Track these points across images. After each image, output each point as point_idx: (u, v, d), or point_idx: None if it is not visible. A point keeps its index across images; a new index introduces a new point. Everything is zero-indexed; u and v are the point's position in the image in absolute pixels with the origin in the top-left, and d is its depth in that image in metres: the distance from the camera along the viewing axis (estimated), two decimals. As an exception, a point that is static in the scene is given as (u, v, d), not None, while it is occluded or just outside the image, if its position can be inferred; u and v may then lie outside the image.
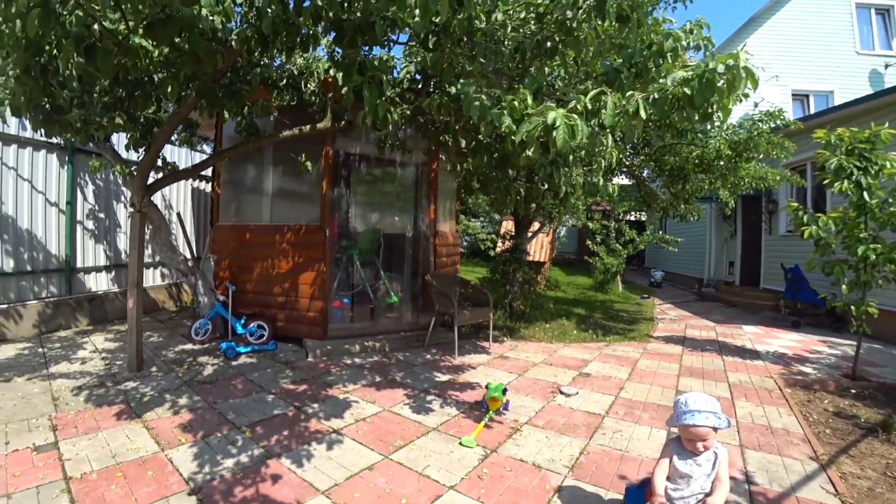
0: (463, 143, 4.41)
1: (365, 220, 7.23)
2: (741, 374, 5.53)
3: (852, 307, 5.19)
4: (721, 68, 2.49)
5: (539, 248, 11.20)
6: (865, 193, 4.95)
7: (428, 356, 5.72)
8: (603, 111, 2.64)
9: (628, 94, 2.71)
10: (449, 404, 4.21)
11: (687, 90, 2.54)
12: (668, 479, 2.19)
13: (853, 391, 5.09)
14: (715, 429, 2.08)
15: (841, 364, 6.05)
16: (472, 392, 4.54)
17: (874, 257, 4.92)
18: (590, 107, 2.72)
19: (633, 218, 15.75)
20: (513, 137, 2.77)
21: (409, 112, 4.16)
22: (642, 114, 2.63)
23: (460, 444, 3.44)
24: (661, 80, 2.73)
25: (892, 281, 5.16)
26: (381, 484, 2.86)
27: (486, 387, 4.00)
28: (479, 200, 11.40)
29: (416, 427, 3.69)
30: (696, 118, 2.72)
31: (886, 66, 13.33)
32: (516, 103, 2.83)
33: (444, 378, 4.90)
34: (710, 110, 2.60)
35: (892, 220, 4.92)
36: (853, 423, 4.35)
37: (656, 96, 2.69)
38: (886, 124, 5.07)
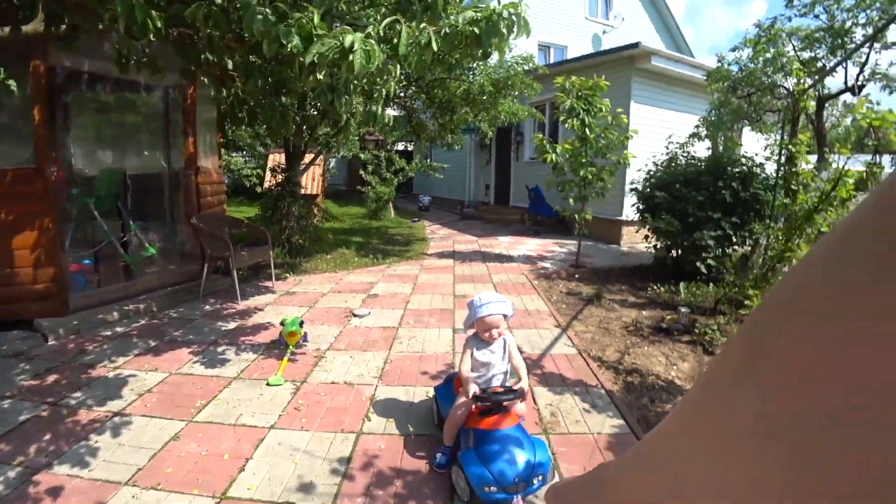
0: (230, 65, 3.72)
1: (101, 159, 5.74)
2: (502, 274, 6.54)
3: (576, 215, 6.52)
4: (506, 13, 2.69)
5: (311, 181, 10.86)
6: (587, 129, 6.16)
7: (207, 307, 5.16)
8: (396, 40, 2.58)
9: (421, 26, 2.71)
10: (244, 350, 3.94)
11: (476, 29, 2.69)
12: (471, 369, 2.43)
13: (577, 276, 6.55)
14: (504, 316, 2.39)
15: (568, 258, 7.67)
16: (266, 333, 4.33)
17: (590, 177, 6.24)
18: (382, 34, 2.63)
19: (401, 148, 16.44)
20: (301, 59, 2.51)
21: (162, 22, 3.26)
22: (434, 46, 2.67)
23: (268, 384, 3.32)
24: (452, 18, 2.79)
25: (600, 195, 6.63)
26: (194, 449, 2.60)
27: (282, 323, 3.86)
28: (242, 132, 10.24)
29: (215, 382, 3.37)
30: (479, 55, 2.91)
31: (604, 32, 17.12)
32: (304, 21, 2.54)
33: (231, 326, 4.52)
34: (490, 50, 2.79)
35: (603, 150, 6.28)
36: (578, 297, 5.63)
37: (447, 31, 2.76)
38: (603, 76, 6.39)
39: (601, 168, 6.33)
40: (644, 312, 5.16)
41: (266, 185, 9.51)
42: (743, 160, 5.83)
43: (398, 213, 13.53)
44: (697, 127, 6.98)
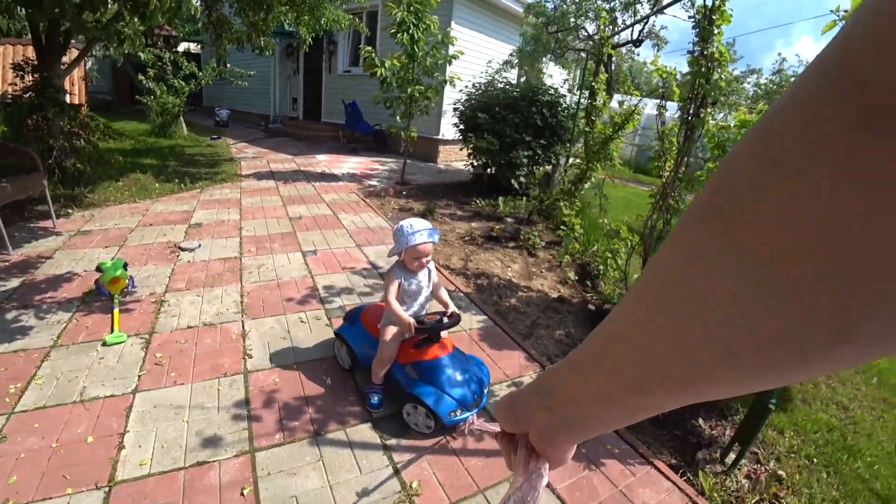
0: None
1: None
2: (332, 194, 6.31)
3: (402, 133, 6.48)
4: None
5: (71, 86, 8.31)
6: (416, 45, 5.95)
7: (-45, 264, 3.78)
8: None
9: None
10: (50, 311, 3.05)
11: None
12: (400, 301, 2.29)
13: (404, 193, 6.72)
14: (433, 244, 2.26)
15: (393, 176, 7.75)
16: (70, 285, 3.43)
17: (417, 95, 6.20)
18: None
19: (182, 49, 13.48)
20: None
21: None
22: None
23: (105, 344, 2.71)
24: None
25: (423, 113, 6.69)
26: (38, 444, 2.01)
27: (98, 269, 3.12)
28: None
29: (24, 357, 2.57)
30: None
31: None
32: None
33: (14, 283, 3.41)
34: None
35: (430, 69, 6.22)
36: (412, 212, 5.86)
37: None
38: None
39: (427, 86, 6.36)
40: (473, 224, 5.68)
41: (7, 90, 6.83)
42: (551, 90, 6.53)
43: (191, 129, 11.38)
44: (512, 55, 7.45)
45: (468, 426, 2.26)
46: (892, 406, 3.14)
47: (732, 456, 2.37)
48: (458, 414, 2.18)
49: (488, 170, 6.90)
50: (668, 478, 2.16)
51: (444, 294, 2.42)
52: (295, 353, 2.78)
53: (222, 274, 3.69)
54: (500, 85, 6.75)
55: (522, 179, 6.39)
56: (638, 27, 6.81)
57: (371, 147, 9.94)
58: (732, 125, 3.02)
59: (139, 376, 2.46)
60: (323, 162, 8.52)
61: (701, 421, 2.63)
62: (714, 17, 2.64)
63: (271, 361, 2.68)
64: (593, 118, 4.99)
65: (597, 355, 0.33)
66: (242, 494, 1.86)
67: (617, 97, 5.94)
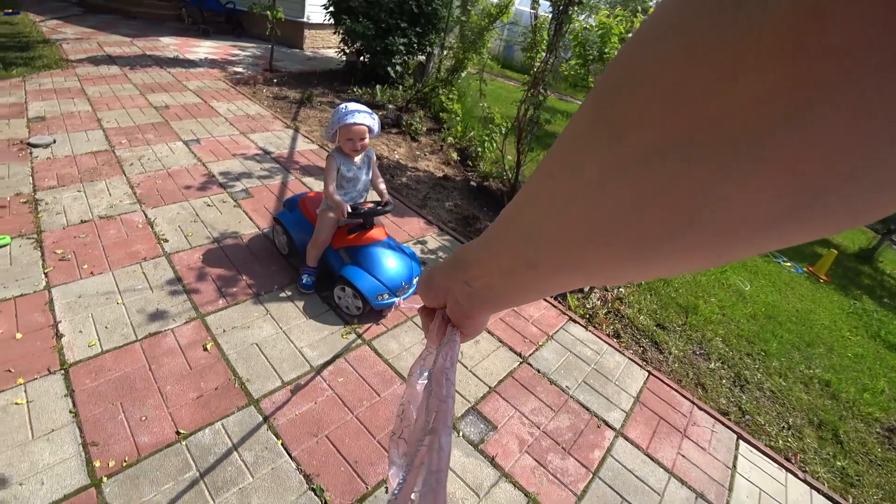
0: None
1: None
2: (195, 81, 5.60)
3: (269, 13, 5.71)
4: None
5: None
6: None
7: None
8: None
9: None
10: None
11: None
12: (337, 187, 2.25)
13: (275, 80, 6.20)
14: (370, 130, 2.18)
15: (258, 62, 6.99)
16: None
17: None
18: None
19: None
20: None
21: None
22: None
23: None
24: None
25: None
26: None
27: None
28: None
29: None
30: None
31: None
32: None
33: None
34: None
35: None
36: (288, 101, 5.53)
37: None
38: None
39: None
40: (353, 112, 5.56)
41: None
42: None
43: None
44: None
45: (397, 307, 2.32)
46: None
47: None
48: (385, 298, 2.22)
49: (362, 57, 6.57)
50: (545, 300, 2.78)
51: (381, 184, 2.42)
52: (212, 233, 2.77)
53: (98, 168, 3.28)
54: None
55: (399, 68, 6.25)
56: None
57: (224, 30, 8.59)
58: (595, 25, 3.36)
59: (46, 273, 2.29)
60: (171, 46, 7.25)
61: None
62: None
63: (189, 242, 2.66)
64: (469, 8, 5.01)
65: (500, 232, 0.33)
66: (206, 349, 2.01)
67: None
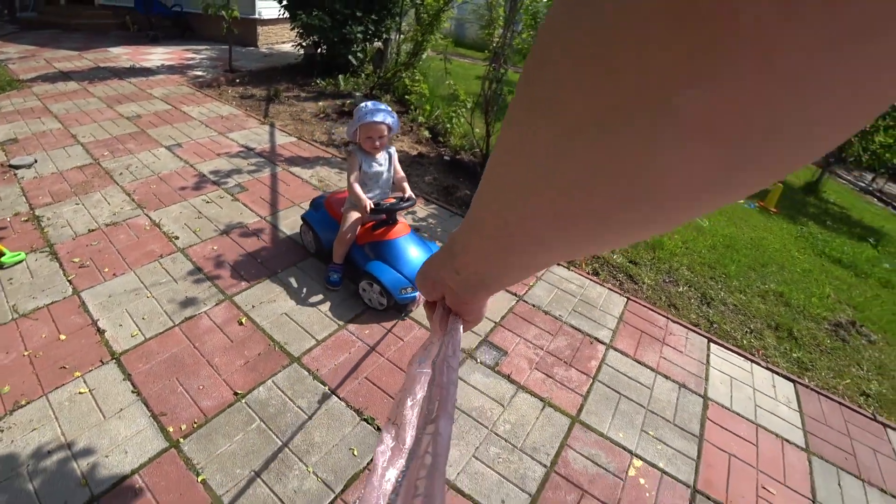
0: None
1: None
2: (158, 88, 5.54)
3: (225, 12, 5.63)
4: None
5: None
6: None
7: None
8: None
9: None
10: None
11: None
12: (361, 183, 2.30)
13: (237, 80, 6.17)
14: (389, 128, 2.24)
15: (216, 64, 6.91)
16: None
17: None
18: None
19: None
20: None
21: None
22: None
23: (2, 267, 2.42)
24: None
25: None
26: (7, 360, 1.94)
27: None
28: None
29: None
30: None
31: None
32: None
33: None
34: None
35: None
36: (255, 99, 5.55)
37: None
38: None
39: None
40: (321, 103, 5.64)
41: None
42: None
43: None
44: None
45: (420, 303, 2.30)
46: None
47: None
48: (409, 291, 2.23)
49: (319, 49, 6.56)
50: (529, 244, 3.05)
51: (403, 181, 2.44)
52: (218, 226, 2.90)
53: (89, 181, 3.33)
54: None
55: (360, 55, 6.30)
56: None
57: (173, 34, 8.35)
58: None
59: (70, 280, 2.38)
60: (123, 55, 7.05)
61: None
62: None
63: (199, 237, 2.79)
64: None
65: (475, 217, 0.32)
66: (241, 324, 2.19)
67: None
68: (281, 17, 6.57)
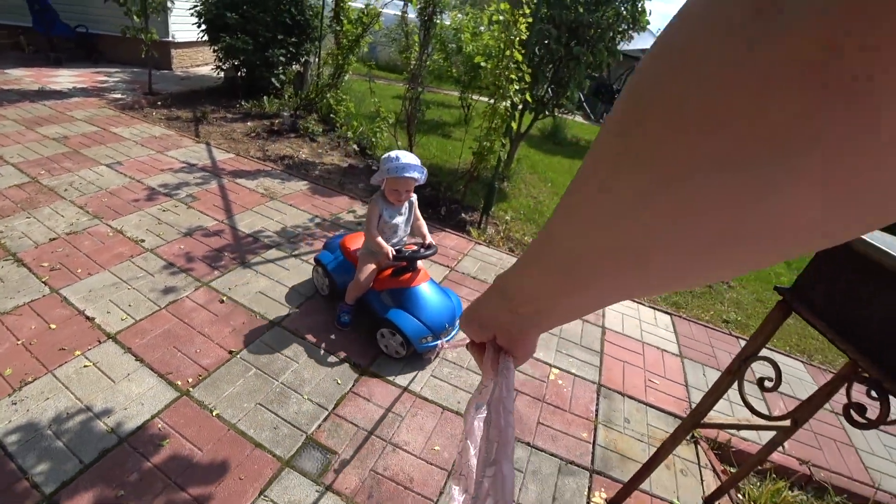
0: None
1: None
2: (80, 111, 5.47)
3: (144, 35, 5.72)
4: None
5: None
6: None
7: None
8: None
9: None
10: None
11: None
12: (380, 231, 2.25)
13: (159, 103, 6.22)
14: (416, 181, 2.18)
15: (133, 87, 6.84)
16: None
17: None
18: None
19: None
20: None
21: None
22: None
23: None
24: None
25: (159, 10, 5.94)
26: (2, 350, 2.10)
27: None
28: None
29: None
30: None
31: None
32: None
33: None
34: None
35: None
36: (183, 121, 5.68)
37: None
38: None
39: None
40: (249, 123, 5.91)
41: None
42: None
43: None
44: None
45: (440, 350, 2.29)
46: (556, 196, 5.45)
47: (485, 219, 4.06)
48: (429, 340, 2.20)
49: (239, 72, 6.73)
50: (457, 234, 3.67)
51: (423, 227, 2.39)
52: (180, 229, 3.17)
53: (32, 197, 3.39)
54: None
55: (282, 77, 6.62)
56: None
57: (77, 56, 7.98)
58: (449, 24, 4.26)
59: (44, 282, 2.53)
60: (26, 77, 6.71)
61: (464, 214, 4.25)
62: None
63: (164, 239, 3.05)
64: (342, 18, 5.62)
65: (538, 258, 0.33)
66: (222, 302, 2.54)
67: None
68: (199, 39, 6.70)
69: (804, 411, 1.53)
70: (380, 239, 2.21)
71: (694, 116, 0.17)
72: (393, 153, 2.16)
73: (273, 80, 6.60)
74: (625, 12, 4.08)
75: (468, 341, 0.50)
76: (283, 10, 6.21)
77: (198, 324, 2.38)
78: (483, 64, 3.87)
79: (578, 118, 10.65)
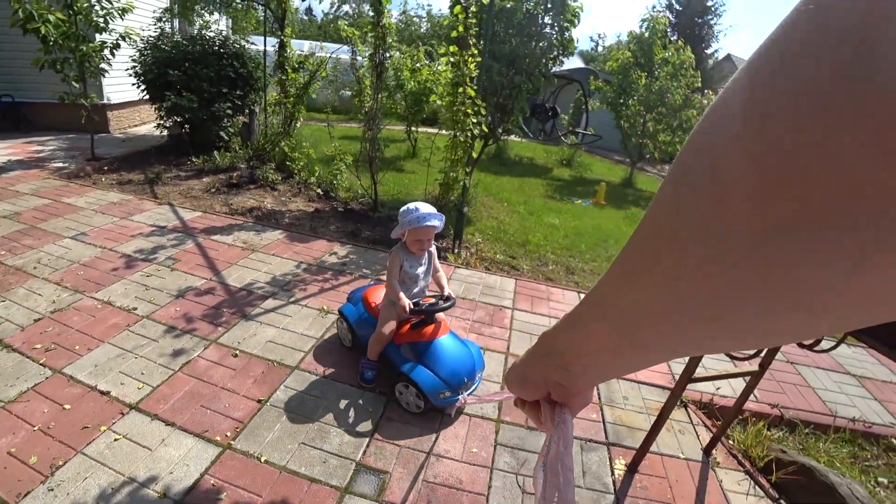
0: None
1: None
2: (23, 184, 5.20)
3: (84, 101, 5.60)
4: None
5: None
6: None
7: None
8: None
9: None
10: None
11: None
12: (400, 282, 2.27)
13: (106, 168, 6.06)
14: (435, 229, 2.22)
15: (72, 154, 6.59)
16: None
17: (92, 53, 5.44)
18: None
19: None
20: None
21: None
22: None
23: None
24: None
25: (96, 75, 5.83)
26: (25, 433, 2.04)
27: None
28: None
29: None
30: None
31: None
32: None
33: None
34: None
35: (97, 23, 5.46)
36: (137, 183, 5.62)
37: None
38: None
39: (101, 43, 5.58)
40: (205, 179, 5.91)
41: None
42: (237, 43, 6.60)
43: None
44: (166, 9, 6.88)
45: (460, 405, 2.24)
46: (515, 214, 5.85)
47: (457, 244, 4.34)
48: (447, 396, 2.16)
49: (184, 128, 6.69)
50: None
51: (442, 278, 2.40)
52: (171, 292, 3.18)
53: (1, 279, 3.27)
54: (177, 38, 6.42)
55: (231, 130, 6.65)
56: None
57: (3, 127, 7.54)
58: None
59: (42, 364, 2.47)
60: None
61: (437, 242, 4.53)
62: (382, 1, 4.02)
63: (157, 304, 3.04)
64: (287, 67, 5.81)
65: (595, 316, 0.33)
66: (235, 356, 2.61)
67: (307, 45, 6.69)
68: (140, 98, 6.61)
69: (767, 356, 1.89)
70: (399, 290, 2.23)
71: (774, 178, 0.17)
72: (411, 205, 2.21)
73: (221, 133, 6.62)
74: (555, 41, 4.58)
75: (507, 395, 0.52)
76: (226, 65, 6.30)
77: (218, 380, 2.43)
78: (439, 102, 4.20)
79: (515, 137, 11.34)
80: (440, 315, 2.33)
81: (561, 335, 0.38)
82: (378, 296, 2.53)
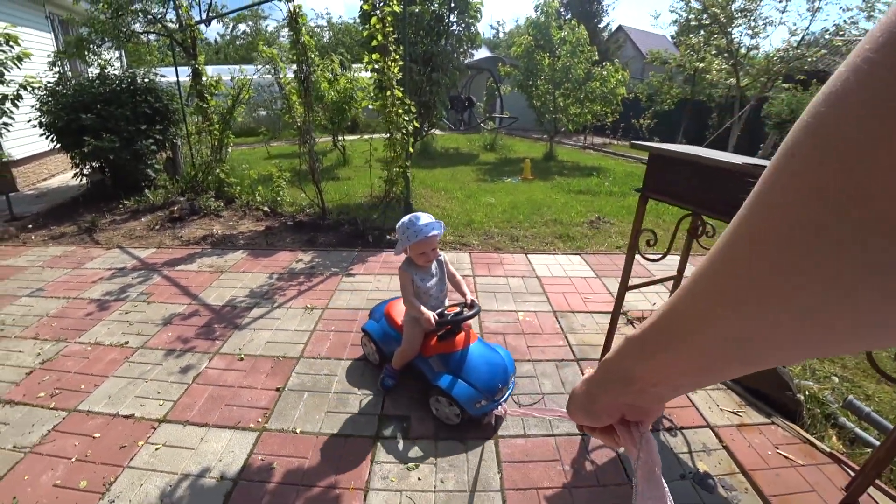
0: None
1: None
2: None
3: None
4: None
5: None
6: None
7: None
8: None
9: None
10: None
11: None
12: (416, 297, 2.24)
13: (31, 225, 5.81)
14: (438, 236, 2.18)
15: (-16, 217, 6.19)
16: None
17: None
18: None
19: None
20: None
21: None
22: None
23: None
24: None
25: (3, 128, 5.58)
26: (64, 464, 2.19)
27: None
28: None
29: None
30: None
31: None
32: None
33: None
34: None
35: None
36: (71, 235, 5.47)
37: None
38: None
39: (2, 96, 5.33)
40: (144, 219, 5.86)
41: None
42: (148, 76, 6.47)
43: None
44: (61, 52, 6.58)
45: (499, 414, 2.21)
46: (454, 199, 6.32)
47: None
48: (483, 405, 2.14)
49: (106, 172, 6.49)
50: (392, 251, 4.33)
51: (461, 284, 2.36)
52: (157, 320, 3.33)
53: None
54: (78, 81, 6.19)
55: (157, 167, 6.56)
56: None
57: None
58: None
59: (52, 408, 2.56)
60: None
61: (389, 235, 4.89)
62: (299, 19, 4.31)
63: (148, 333, 3.19)
64: (206, 95, 5.87)
65: (677, 337, 0.32)
66: (241, 360, 2.88)
67: (226, 69, 6.69)
68: (49, 149, 6.33)
69: (681, 263, 2.51)
70: (418, 305, 2.19)
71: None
72: (406, 219, 2.17)
73: (148, 171, 6.53)
74: (464, 37, 5.12)
75: (558, 413, 0.53)
76: (140, 101, 6.22)
77: (233, 382, 2.70)
78: (371, 106, 4.59)
79: (438, 131, 11.90)
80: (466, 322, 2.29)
81: (629, 362, 0.38)
82: (399, 309, 2.51)
